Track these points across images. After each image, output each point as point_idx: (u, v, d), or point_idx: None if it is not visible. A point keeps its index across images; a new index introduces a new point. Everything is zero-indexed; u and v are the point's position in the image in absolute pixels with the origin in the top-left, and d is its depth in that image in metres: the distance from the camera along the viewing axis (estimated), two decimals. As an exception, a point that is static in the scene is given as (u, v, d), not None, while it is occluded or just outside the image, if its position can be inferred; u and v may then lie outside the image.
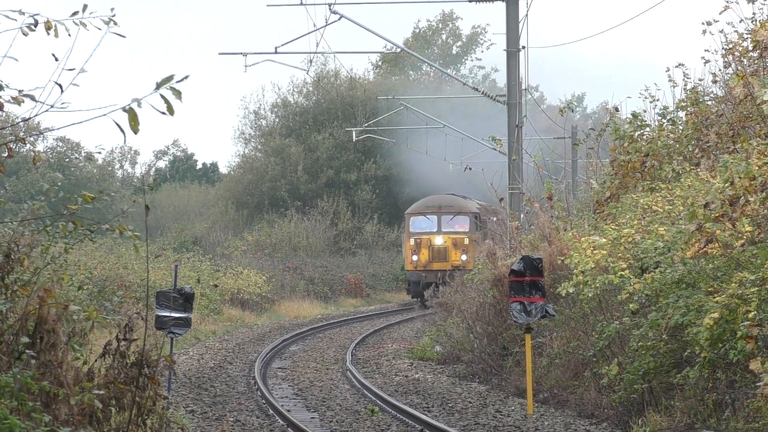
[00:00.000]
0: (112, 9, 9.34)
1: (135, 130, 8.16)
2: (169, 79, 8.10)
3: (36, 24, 9.25)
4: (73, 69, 9.26)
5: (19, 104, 9.70)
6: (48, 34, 9.18)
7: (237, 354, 31.57)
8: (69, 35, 9.18)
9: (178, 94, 8.09)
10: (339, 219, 72.54)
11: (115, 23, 9.32)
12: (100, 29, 9.31)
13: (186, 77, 8.13)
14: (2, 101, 9.92)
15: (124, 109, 8.21)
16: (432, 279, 52.74)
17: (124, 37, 9.29)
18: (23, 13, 9.23)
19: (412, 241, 54.16)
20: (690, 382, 16.53)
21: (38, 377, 10.51)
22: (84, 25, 9.24)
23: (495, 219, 54.82)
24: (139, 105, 8.16)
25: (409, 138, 60.53)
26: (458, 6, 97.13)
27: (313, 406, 21.67)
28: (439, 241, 53.64)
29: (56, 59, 9.15)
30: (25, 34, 9.33)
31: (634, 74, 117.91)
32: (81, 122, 8.79)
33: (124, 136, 8.23)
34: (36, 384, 10.38)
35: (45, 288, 10.77)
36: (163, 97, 8.09)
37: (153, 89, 8.09)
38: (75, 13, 9.31)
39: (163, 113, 8.11)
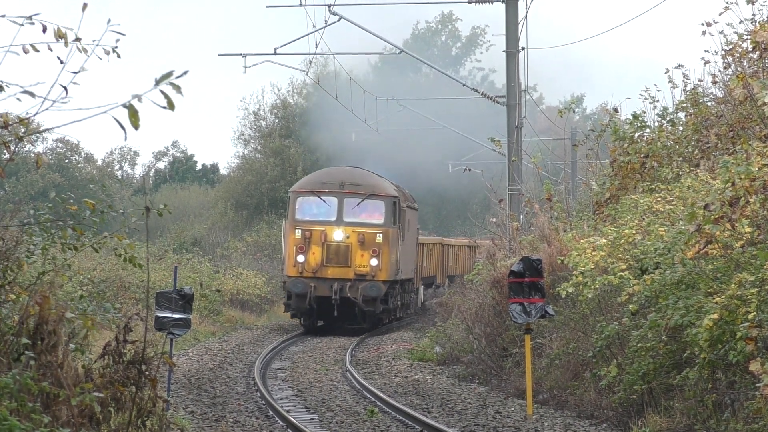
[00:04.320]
0: (117, 40, 9.39)
1: (135, 126, 8.18)
2: (169, 75, 8.13)
3: (45, 29, 9.29)
4: (65, 62, 9.33)
5: (27, 127, 9.76)
6: (58, 40, 9.22)
7: (236, 355, 31.56)
8: (86, 52, 9.25)
9: (178, 89, 8.12)
10: (338, 219, 72.50)
11: (118, 55, 9.39)
12: (101, 58, 9.39)
13: (185, 72, 8.15)
14: (8, 118, 9.96)
15: (124, 106, 8.23)
16: (325, 291, 37.59)
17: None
18: (33, 23, 9.27)
19: (297, 233, 37.86)
20: (690, 383, 16.52)
21: (38, 378, 10.52)
22: (85, 50, 9.32)
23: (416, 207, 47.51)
24: (139, 100, 8.19)
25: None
26: (457, 7, 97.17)
27: (313, 407, 21.66)
28: (338, 235, 37.82)
29: (61, 62, 9.20)
30: (26, 52, 9.38)
31: (634, 75, 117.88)
32: (81, 120, 8.82)
33: (125, 133, 8.25)
34: (36, 385, 10.38)
35: (42, 294, 10.75)
36: (162, 92, 8.11)
37: (153, 85, 8.12)
38: (77, 39, 9.38)
39: (164, 107, 8.13)
